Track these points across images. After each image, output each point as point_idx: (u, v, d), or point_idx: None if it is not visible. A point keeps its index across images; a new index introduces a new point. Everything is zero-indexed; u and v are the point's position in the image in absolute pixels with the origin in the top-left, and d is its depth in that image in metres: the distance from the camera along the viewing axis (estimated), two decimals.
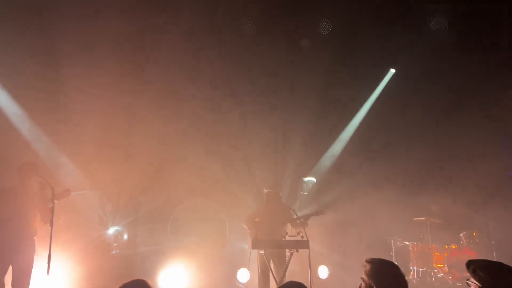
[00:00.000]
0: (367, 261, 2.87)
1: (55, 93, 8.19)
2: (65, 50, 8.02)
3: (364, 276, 2.84)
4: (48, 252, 4.82)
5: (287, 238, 6.22)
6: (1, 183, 5.66)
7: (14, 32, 7.66)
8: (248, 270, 8.40)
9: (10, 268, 5.27)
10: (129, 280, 2.85)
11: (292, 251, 5.98)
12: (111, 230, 8.67)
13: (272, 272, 6.01)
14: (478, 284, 2.68)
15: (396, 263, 8.49)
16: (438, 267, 8.25)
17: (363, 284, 2.83)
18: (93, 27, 8.04)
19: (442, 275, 8.17)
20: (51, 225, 4.95)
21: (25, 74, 7.89)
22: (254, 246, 5.88)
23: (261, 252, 6.06)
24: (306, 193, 10.05)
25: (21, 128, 8.05)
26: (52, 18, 7.84)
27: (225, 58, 9.07)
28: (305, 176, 10.28)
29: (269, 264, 6.22)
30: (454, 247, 8.33)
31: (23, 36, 7.72)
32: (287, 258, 6.13)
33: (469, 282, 2.76)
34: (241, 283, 8.48)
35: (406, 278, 8.33)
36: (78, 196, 5.96)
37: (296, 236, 6.17)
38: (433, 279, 8.22)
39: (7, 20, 7.53)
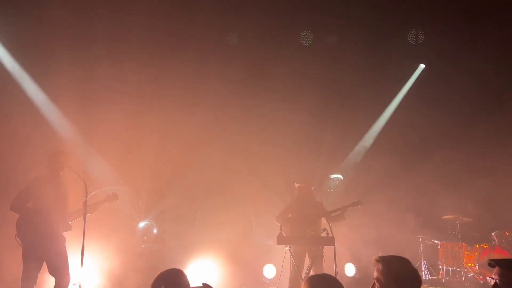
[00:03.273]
0: (378, 260, 2.63)
1: (88, 93, 8.45)
2: (97, 50, 8.27)
3: (379, 276, 2.58)
4: (81, 245, 4.99)
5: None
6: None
7: (49, 35, 7.97)
8: (275, 266, 8.47)
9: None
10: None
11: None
12: (141, 224, 8.89)
13: (297, 269, 6.00)
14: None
15: (424, 261, 8.43)
16: (469, 266, 8.08)
17: (377, 285, 2.58)
18: (124, 28, 8.26)
19: (472, 275, 8.00)
20: (84, 219, 5.07)
21: (61, 74, 8.18)
22: (279, 242, 5.91)
23: (287, 248, 6.06)
24: (332, 190, 10.00)
25: (57, 127, 8.36)
26: (85, 21, 8.11)
27: (250, 53, 9.11)
28: (332, 173, 10.23)
29: (303, 260, 6.23)
30: (485, 246, 8.11)
31: (57, 38, 8.01)
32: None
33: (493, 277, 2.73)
34: (267, 279, 8.56)
35: (435, 277, 8.18)
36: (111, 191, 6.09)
37: (321, 232, 6.15)
38: (463, 278, 8.07)
39: (44, 26, 7.84)
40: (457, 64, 9.19)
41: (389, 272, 2.56)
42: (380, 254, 2.78)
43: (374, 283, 2.62)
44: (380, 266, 2.60)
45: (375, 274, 2.61)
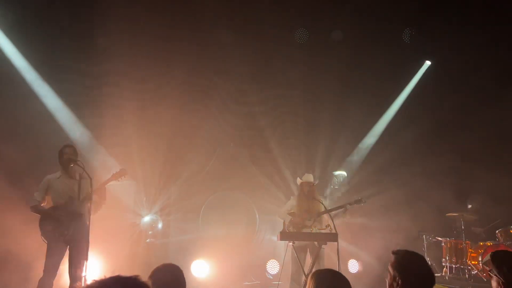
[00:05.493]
0: (393, 253, 2.77)
1: (94, 88, 8.50)
2: (105, 46, 8.30)
3: (389, 268, 2.72)
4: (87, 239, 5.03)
5: (315, 230, 6.23)
6: (44, 172, 5.82)
7: (56, 30, 8.02)
8: (278, 262, 8.51)
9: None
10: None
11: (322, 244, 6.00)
12: (147, 218, 8.94)
13: (301, 264, 6.04)
14: (501, 278, 2.67)
15: (428, 258, 8.43)
16: (472, 264, 8.07)
17: (389, 276, 2.71)
18: (131, 24, 8.30)
19: (476, 272, 7.99)
20: (90, 213, 5.10)
21: (67, 69, 8.24)
22: (282, 238, 5.94)
23: (290, 243, 6.10)
24: (337, 187, 10.00)
25: (63, 122, 8.42)
26: (93, 16, 8.15)
27: (253, 50, 9.10)
28: (336, 170, 10.23)
29: (305, 256, 6.26)
30: (489, 244, 8.09)
31: (65, 33, 8.06)
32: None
33: (491, 273, 2.77)
34: (271, 274, 8.61)
35: (439, 274, 8.14)
36: (115, 186, 6.13)
37: (325, 229, 6.18)
38: (467, 276, 8.06)
39: (52, 21, 7.89)
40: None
41: (398, 265, 2.66)
42: (382, 252, 2.86)
43: (387, 275, 2.75)
44: (393, 258, 2.73)
45: (389, 265, 2.75)
